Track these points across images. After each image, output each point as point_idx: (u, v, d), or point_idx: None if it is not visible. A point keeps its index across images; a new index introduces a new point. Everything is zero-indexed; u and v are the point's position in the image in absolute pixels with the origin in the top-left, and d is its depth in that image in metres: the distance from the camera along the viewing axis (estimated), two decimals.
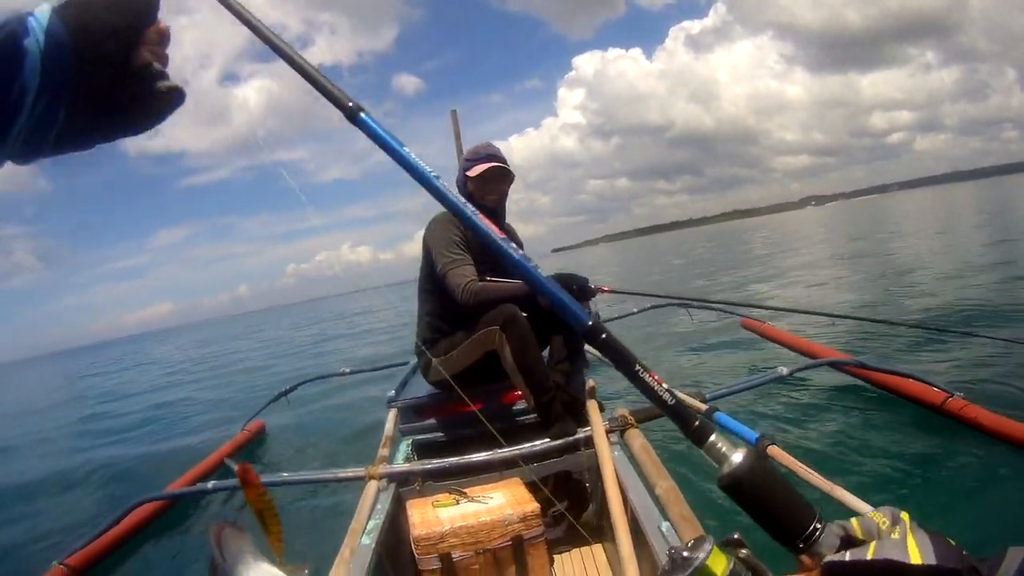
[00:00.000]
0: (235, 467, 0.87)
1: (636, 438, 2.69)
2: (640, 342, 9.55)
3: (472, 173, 2.86)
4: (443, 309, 2.87)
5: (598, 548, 2.72)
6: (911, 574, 0.49)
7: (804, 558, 0.58)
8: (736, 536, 0.65)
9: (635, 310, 7.36)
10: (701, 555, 0.61)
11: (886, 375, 4.32)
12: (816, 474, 2.26)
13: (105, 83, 0.57)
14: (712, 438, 0.66)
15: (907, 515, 0.56)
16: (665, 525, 1.92)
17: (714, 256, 30.84)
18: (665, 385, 0.73)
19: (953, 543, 0.51)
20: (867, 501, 2.05)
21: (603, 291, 3.14)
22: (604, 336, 0.77)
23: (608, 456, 2.42)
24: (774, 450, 2.53)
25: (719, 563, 0.61)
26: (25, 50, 0.51)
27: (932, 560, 0.49)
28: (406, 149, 0.88)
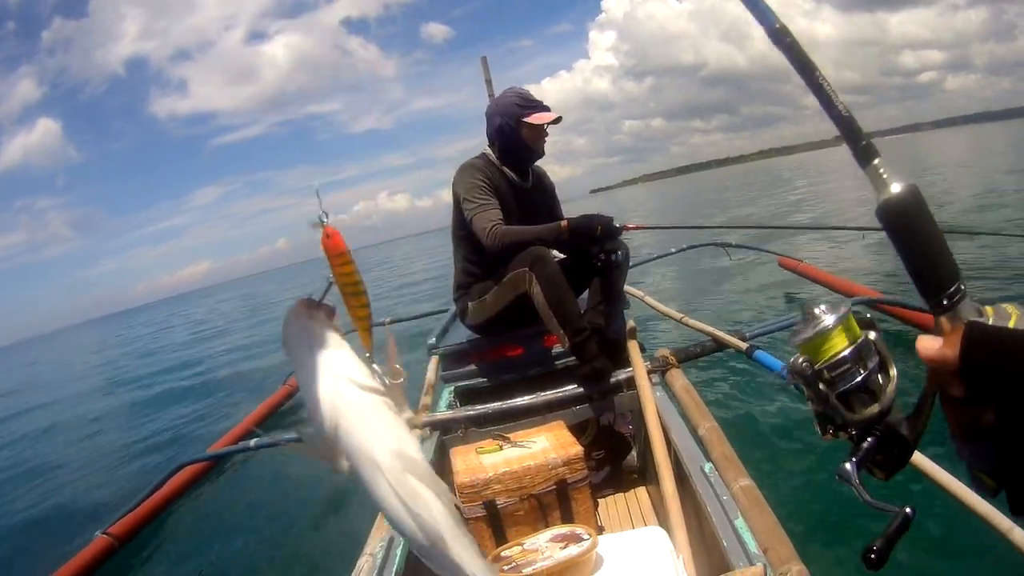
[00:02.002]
0: (323, 224, 0.70)
1: (678, 378, 2.64)
2: (680, 281, 9.49)
3: (533, 120, 2.83)
4: (474, 254, 2.84)
5: (642, 491, 2.71)
6: None
7: (943, 320, 0.52)
8: (870, 316, 0.61)
9: (672, 250, 7.29)
10: (832, 319, 0.58)
11: (920, 312, 4.25)
12: None
13: None
14: (877, 162, 0.57)
15: None
16: (708, 466, 1.88)
17: (752, 194, 30.26)
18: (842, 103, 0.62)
19: None
20: None
21: (629, 228, 3.06)
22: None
23: (650, 397, 2.38)
24: None
25: (848, 333, 0.58)
26: None
27: None
28: None
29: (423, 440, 2.59)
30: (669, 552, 1.62)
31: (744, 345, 3.04)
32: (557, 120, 2.88)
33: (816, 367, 0.58)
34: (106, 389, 13.29)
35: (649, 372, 2.64)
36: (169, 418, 7.94)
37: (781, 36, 0.65)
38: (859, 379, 0.58)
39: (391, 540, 1.80)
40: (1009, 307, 0.50)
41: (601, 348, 2.66)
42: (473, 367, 2.97)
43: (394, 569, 1.68)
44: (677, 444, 2.10)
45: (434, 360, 3.25)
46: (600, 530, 2.29)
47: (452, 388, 3.11)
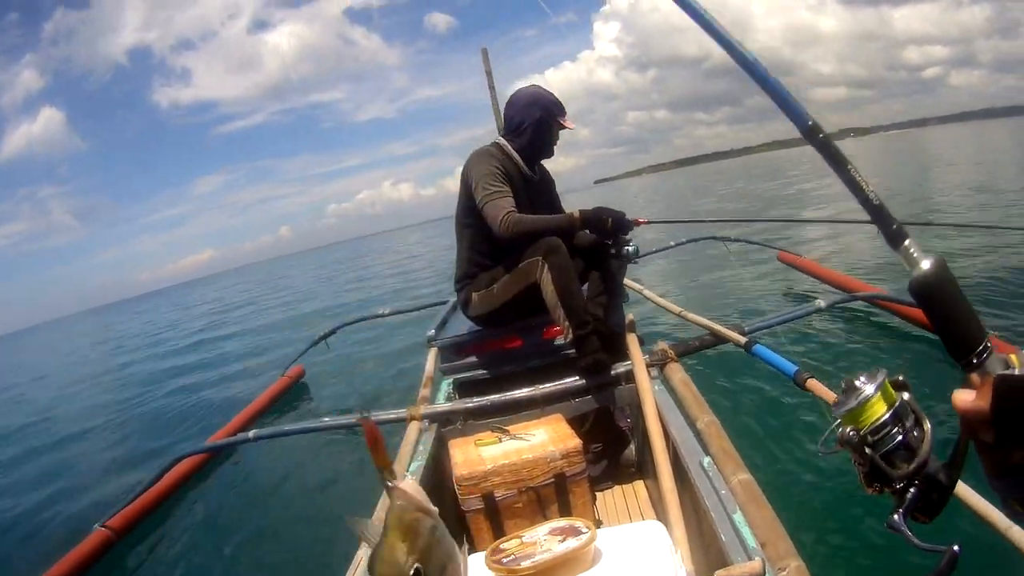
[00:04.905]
0: (360, 421, 0.86)
1: (676, 372, 2.64)
2: (679, 275, 9.49)
3: (569, 125, 2.94)
4: (483, 243, 2.84)
5: (640, 485, 2.71)
6: None
7: (973, 376, 0.57)
8: (901, 378, 0.67)
9: (672, 244, 7.29)
10: (872, 388, 0.63)
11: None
12: None
13: None
14: (907, 243, 0.63)
15: None
16: (707, 460, 1.88)
17: (755, 186, 30.19)
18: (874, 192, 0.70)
19: None
20: None
21: (640, 223, 3.07)
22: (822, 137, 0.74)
23: (649, 390, 2.38)
24: (813, 383, 2.47)
25: (886, 398, 0.64)
26: None
27: None
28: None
29: (422, 432, 2.58)
30: (667, 546, 1.62)
31: (743, 339, 3.04)
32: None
33: (861, 433, 0.63)
34: (100, 380, 13.24)
35: (648, 366, 2.64)
36: (168, 409, 7.89)
37: (814, 133, 0.72)
38: (900, 439, 0.63)
39: None
40: None
41: (600, 341, 2.66)
42: (472, 359, 2.97)
43: None
44: (675, 438, 2.10)
45: (433, 352, 3.24)
46: (598, 523, 2.29)
47: (451, 380, 3.11)
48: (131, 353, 17.49)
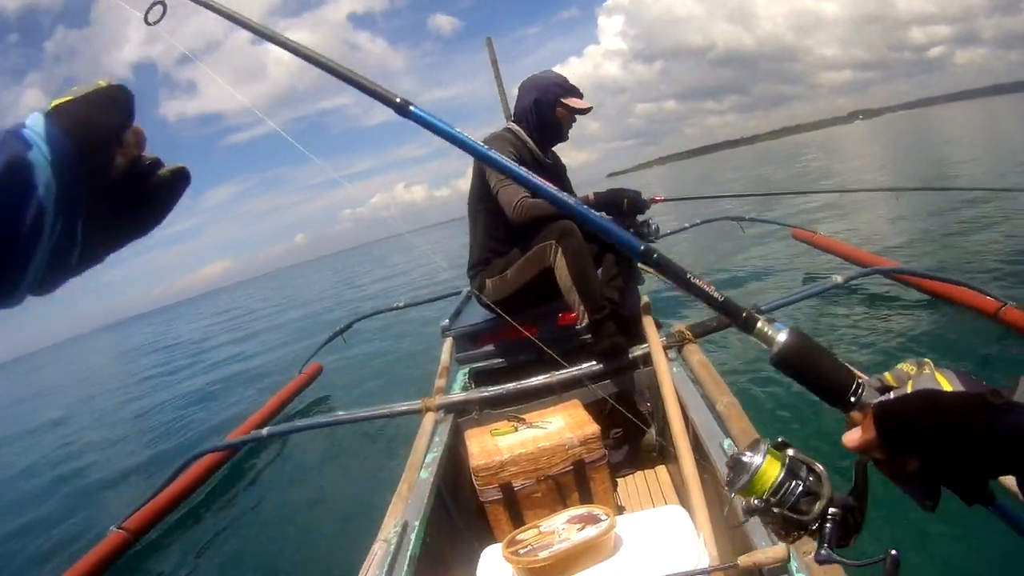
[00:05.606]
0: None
1: (694, 353, 2.59)
2: (694, 255, 9.44)
3: (572, 103, 2.86)
4: (496, 228, 2.82)
5: (661, 470, 2.67)
6: (945, 398, 0.57)
7: (855, 414, 0.64)
8: (781, 439, 0.73)
9: (687, 225, 7.25)
10: (759, 457, 0.70)
11: (939, 283, 4.32)
12: None
13: (112, 185, 0.53)
14: (759, 324, 0.71)
15: (931, 360, 0.63)
16: (727, 442, 1.83)
17: (769, 172, 29.95)
18: (715, 288, 0.78)
19: (974, 378, 0.59)
20: None
21: (656, 201, 3.04)
22: (656, 256, 0.81)
23: (667, 372, 2.33)
24: None
25: (775, 462, 0.70)
26: (31, 163, 0.45)
27: (960, 388, 0.58)
28: (455, 129, 0.99)
29: (438, 423, 2.56)
30: (690, 531, 1.58)
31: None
32: (588, 110, 2.90)
33: (764, 498, 0.69)
34: (116, 392, 13.34)
35: (665, 348, 2.59)
36: (186, 414, 8.00)
37: (649, 255, 0.81)
38: (800, 489, 0.69)
39: (405, 525, 1.78)
40: (905, 366, 0.64)
41: (616, 325, 2.62)
42: (487, 348, 2.94)
43: (408, 554, 1.66)
44: (695, 420, 2.05)
45: (448, 341, 3.22)
46: (619, 510, 2.26)
47: (467, 370, 3.08)
48: (144, 365, 17.65)
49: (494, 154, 0.99)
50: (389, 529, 1.79)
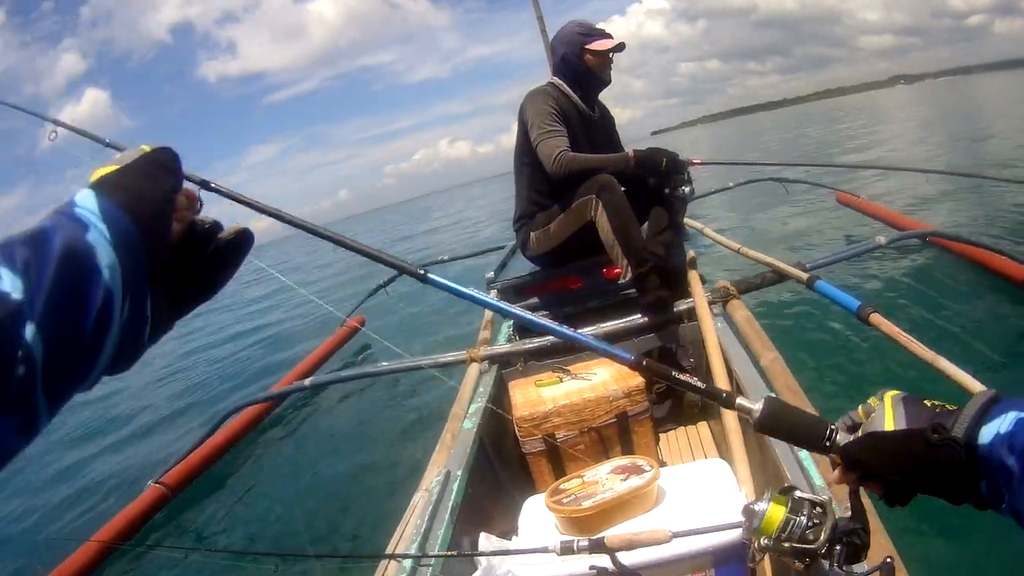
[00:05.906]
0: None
1: (739, 309, 2.57)
2: (737, 215, 9.30)
3: (596, 47, 2.81)
4: (540, 182, 2.82)
5: (703, 426, 2.67)
6: (886, 439, 0.69)
7: (832, 456, 0.75)
8: (786, 485, 0.88)
9: (731, 184, 7.15)
10: (765, 503, 0.83)
11: (984, 250, 4.20)
12: (918, 343, 2.10)
13: (174, 256, 0.52)
14: (739, 400, 0.83)
15: (894, 392, 0.73)
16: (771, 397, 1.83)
17: (811, 133, 29.00)
18: (697, 380, 0.91)
19: (928, 404, 0.69)
20: (968, 372, 1.91)
21: (694, 163, 2.99)
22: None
23: (711, 327, 2.33)
24: (876, 318, 2.36)
25: (779, 506, 0.82)
26: (92, 246, 0.43)
27: (903, 424, 0.68)
28: (471, 290, 1.15)
29: (482, 374, 2.59)
30: (732, 484, 1.59)
31: (805, 276, 2.94)
32: (620, 47, 2.84)
33: (774, 537, 0.81)
34: (156, 348, 13.49)
35: (710, 303, 2.58)
36: (229, 368, 8.06)
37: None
38: (805, 523, 0.81)
39: (447, 475, 1.81)
40: (873, 400, 0.74)
41: (661, 279, 2.62)
42: (533, 300, 2.96)
43: (450, 504, 1.69)
44: (739, 375, 2.05)
45: (493, 294, 3.25)
46: (662, 464, 2.28)
47: (511, 322, 3.10)
48: (190, 323, 17.81)
49: (503, 303, 1.20)
50: (431, 478, 1.82)
